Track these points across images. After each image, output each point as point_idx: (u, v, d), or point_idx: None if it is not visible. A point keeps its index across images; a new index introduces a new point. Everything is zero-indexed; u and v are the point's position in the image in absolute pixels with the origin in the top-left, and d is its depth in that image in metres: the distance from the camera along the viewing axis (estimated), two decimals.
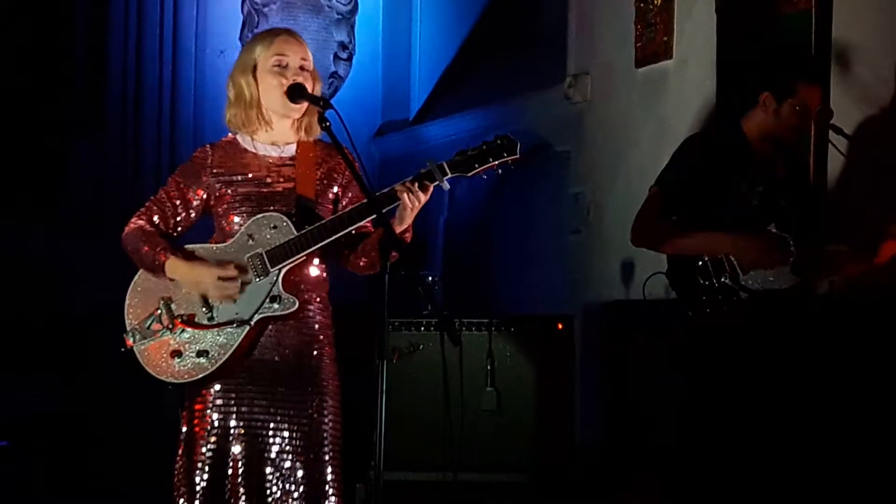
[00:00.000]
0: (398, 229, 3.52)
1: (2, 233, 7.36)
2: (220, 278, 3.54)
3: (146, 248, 3.62)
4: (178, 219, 3.70)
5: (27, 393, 6.77)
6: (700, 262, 4.29)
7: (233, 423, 3.57)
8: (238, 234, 3.61)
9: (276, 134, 3.70)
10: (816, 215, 4.52)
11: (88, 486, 6.41)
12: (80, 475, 6.47)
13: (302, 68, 3.65)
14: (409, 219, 3.52)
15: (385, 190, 3.52)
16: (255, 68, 3.66)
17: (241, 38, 8.17)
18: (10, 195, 7.60)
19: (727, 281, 4.27)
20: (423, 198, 3.50)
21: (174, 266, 3.59)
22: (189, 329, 3.57)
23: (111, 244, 3.98)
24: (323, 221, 3.57)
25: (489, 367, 5.42)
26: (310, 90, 3.63)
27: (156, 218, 3.69)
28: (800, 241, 4.32)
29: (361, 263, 3.67)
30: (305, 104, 3.64)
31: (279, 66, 3.64)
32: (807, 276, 4.35)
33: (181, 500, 3.56)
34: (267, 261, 3.56)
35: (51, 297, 7.39)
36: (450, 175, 3.53)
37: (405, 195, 3.48)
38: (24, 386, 6.78)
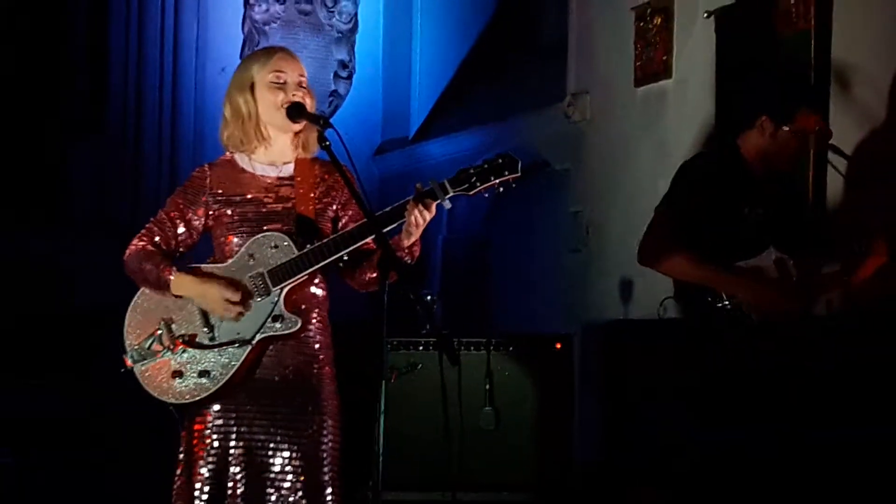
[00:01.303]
0: (406, 243, 3.52)
1: (1, 234, 7.36)
2: (226, 300, 3.54)
3: (150, 267, 3.61)
4: (180, 239, 3.69)
5: (26, 394, 6.75)
6: None
7: (232, 443, 3.56)
8: (239, 254, 3.60)
9: (274, 152, 3.70)
10: (813, 237, 4.52)
11: (87, 490, 6.38)
12: (80, 479, 6.45)
13: (299, 84, 3.66)
14: (416, 234, 3.52)
15: (386, 209, 3.52)
16: (252, 86, 3.66)
17: (241, 56, 8.18)
18: (11, 197, 7.61)
19: (737, 303, 4.28)
20: (428, 215, 3.50)
21: (180, 282, 3.59)
22: (190, 349, 3.56)
23: (111, 246, 3.97)
24: (325, 240, 3.56)
25: (488, 387, 5.40)
26: (308, 107, 3.64)
27: (157, 238, 3.68)
28: (798, 262, 4.34)
29: (366, 279, 3.66)
30: (305, 121, 3.64)
31: (277, 82, 3.64)
32: (807, 297, 4.36)
33: None
34: (269, 280, 3.55)
35: (50, 298, 7.38)
36: (451, 193, 3.52)
37: (411, 212, 3.47)
38: (24, 387, 6.76)
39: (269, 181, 3.69)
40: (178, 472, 3.59)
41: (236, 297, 3.53)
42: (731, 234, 4.34)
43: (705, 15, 5.80)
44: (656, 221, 4.44)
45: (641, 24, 6.22)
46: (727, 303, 4.28)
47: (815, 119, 4.42)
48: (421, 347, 5.40)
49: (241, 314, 3.54)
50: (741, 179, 4.40)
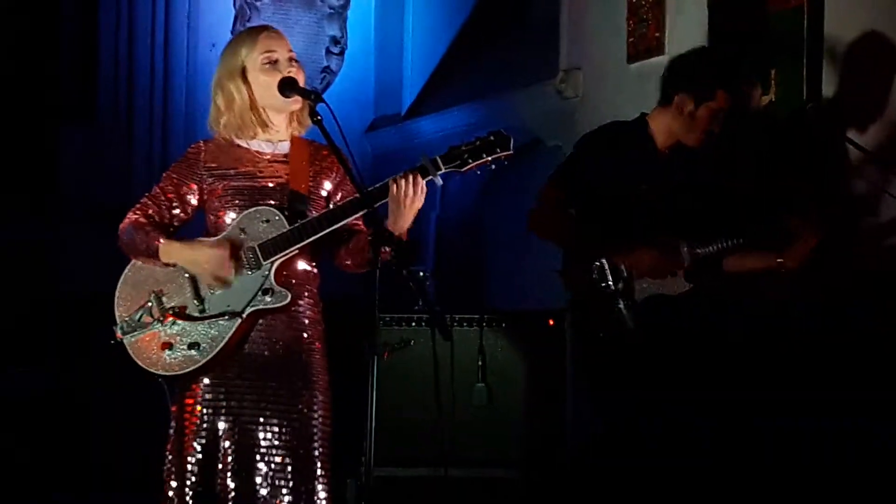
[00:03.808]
0: (393, 227, 3.49)
1: None
2: (216, 259, 3.52)
3: (140, 236, 3.61)
4: (174, 213, 3.69)
5: (16, 379, 6.75)
6: (598, 264, 4.33)
7: (222, 417, 3.56)
8: (230, 228, 3.60)
9: (272, 131, 3.70)
10: (718, 219, 4.52)
11: (78, 469, 6.39)
12: (70, 458, 6.46)
13: (290, 60, 3.65)
14: (401, 218, 3.49)
15: (377, 185, 3.51)
16: (243, 70, 3.65)
17: (232, 32, 8.14)
18: (0, 184, 7.59)
19: (622, 285, 4.30)
20: (414, 193, 3.48)
21: (169, 248, 3.58)
22: (180, 321, 3.57)
23: (102, 232, 3.97)
24: (316, 215, 3.57)
25: (480, 363, 5.41)
26: (300, 82, 3.63)
27: (150, 212, 3.68)
28: (696, 245, 4.36)
29: (353, 262, 3.67)
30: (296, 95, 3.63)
31: (270, 62, 3.64)
32: (699, 282, 4.38)
33: (170, 494, 3.56)
34: (259, 254, 3.55)
35: (42, 284, 7.38)
36: (443, 170, 3.51)
37: (394, 185, 3.46)
38: (14, 373, 6.77)
39: (264, 157, 3.69)
40: (169, 446, 3.60)
41: (227, 253, 3.53)
42: (627, 212, 4.37)
43: None
44: (547, 188, 4.47)
45: (634, 0, 6.21)
46: (611, 283, 4.31)
47: (731, 98, 4.44)
48: (413, 323, 5.40)
49: (229, 277, 3.53)
50: (644, 156, 4.42)
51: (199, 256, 3.56)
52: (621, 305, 4.30)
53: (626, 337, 4.31)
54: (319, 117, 3.50)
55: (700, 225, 4.44)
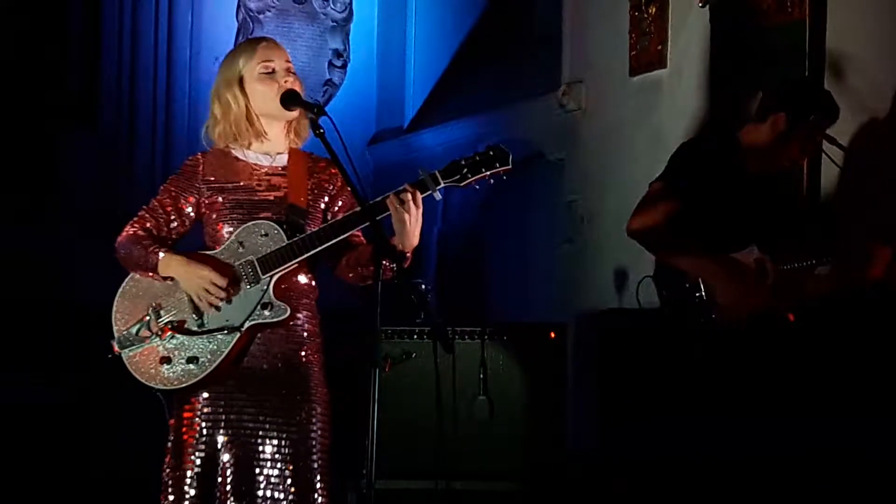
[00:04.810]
0: (398, 247, 3.50)
1: None
2: (213, 283, 3.53)
3: (139, 249, 3.61)
4: (172, 226, 3.69)
5: (16, 388, 6.75)
6: None
7: (221, 431, 3.56)
8: (229, 241, 3.60)
9: (269, 143, 3.70)
10: (802, 237, 4.51)
11: (79, 478, 6.38)
12: (72, 467, 6.45)
13: (288, 70, 3.66)
14: (407, 237, 3.48)
15: (377, 199, 3.52)
16: (241, 80, 3.66)
17: (235, 44, 8.16)
18: (2, 192, 7.59)
19: (711, 297, 4.30)
20: (414, 208, 3.48)
21: (168, 262, 3.58)
22: (178, 336, 3.56)
23: (104, 239, 3.97)
24: (315, 229, 3.57)
25: (482, 376, 5.40)
26: (300, 94, 3.64)
27: (148, 225, 3.68)
28: (779, 261, 4.35)
29: (354, 275, 3.67)
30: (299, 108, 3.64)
31: (266, 71, 3.65)
32: (781, 298, 4.37)
33: None
34: (258, 268, 3.55)
35: (45, 292, 7.38)
36: (442, 185, 3.52)
37: (391, 205, 3.46)
38: (12, 381, 6.76)
39: (262, 170, 3.69)
40: (167, 460, 3.60)
41: (223, 281, 3.53)
42: (718, 223, 4.37)
43: (700, 4, 5.79)
44: (650, 195, 4.46)
45: (636, 13, 6.21)
46: (704, 293, 4.31)
47: (825, 127, 4.46)
48: (415, 336, 5.40)
49: (222, 300, 3.53)
50: (734, 171, 4.42)
51: (196, 274, 3.55)
52: (714, 315, 4.31)
53: (717, 352, 4.31)
54: (322, 130, 3.50)
55: (783, 241, 4.44)
